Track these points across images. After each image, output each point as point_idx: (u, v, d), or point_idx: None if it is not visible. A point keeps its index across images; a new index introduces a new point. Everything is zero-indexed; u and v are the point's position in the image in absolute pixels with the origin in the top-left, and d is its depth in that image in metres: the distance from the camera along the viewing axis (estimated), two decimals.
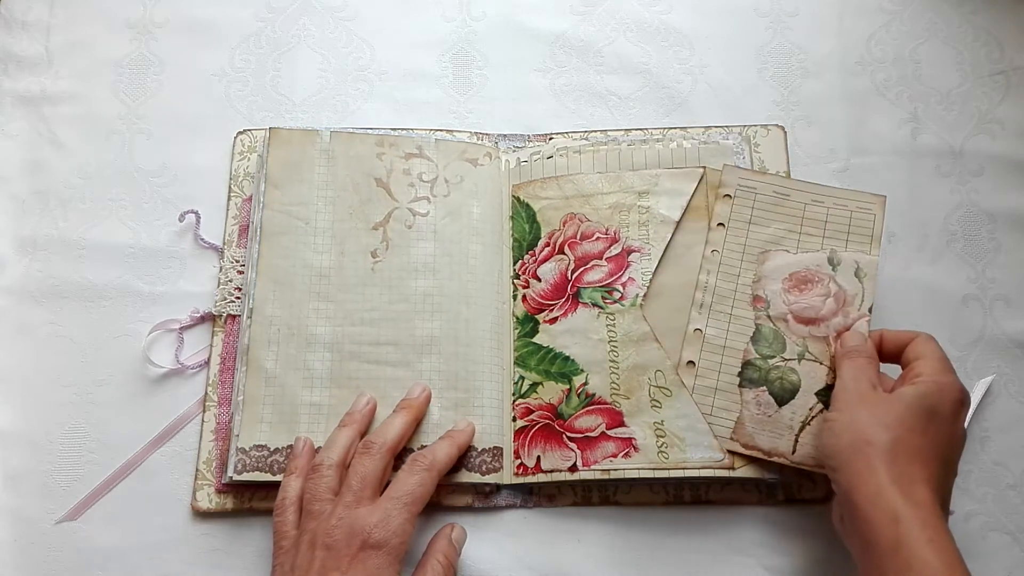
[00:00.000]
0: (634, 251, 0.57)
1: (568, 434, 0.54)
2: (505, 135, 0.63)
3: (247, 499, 0.53)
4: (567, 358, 0.55)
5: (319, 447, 0.52)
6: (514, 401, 0.55)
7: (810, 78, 0.64)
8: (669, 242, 0.57)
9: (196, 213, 0.60)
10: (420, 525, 0.51)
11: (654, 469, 0.52)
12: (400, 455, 0.52)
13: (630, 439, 0.53)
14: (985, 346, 0.57)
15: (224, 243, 0.59)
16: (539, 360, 0.56)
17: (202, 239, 0.60)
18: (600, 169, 0.59)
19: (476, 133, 0.63)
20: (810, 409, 0.52)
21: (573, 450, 0.53)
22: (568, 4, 0.67)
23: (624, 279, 0.56)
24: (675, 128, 0.62)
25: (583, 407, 0.54)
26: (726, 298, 0.55)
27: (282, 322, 0.55)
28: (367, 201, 0.58)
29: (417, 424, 0.53)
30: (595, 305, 0.56)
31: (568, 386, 0.55)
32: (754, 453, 0.51)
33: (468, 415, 0.54)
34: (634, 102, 0.64)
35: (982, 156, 0.62)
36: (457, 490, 0.54)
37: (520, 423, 0.55)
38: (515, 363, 0.56)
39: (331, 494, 0.48)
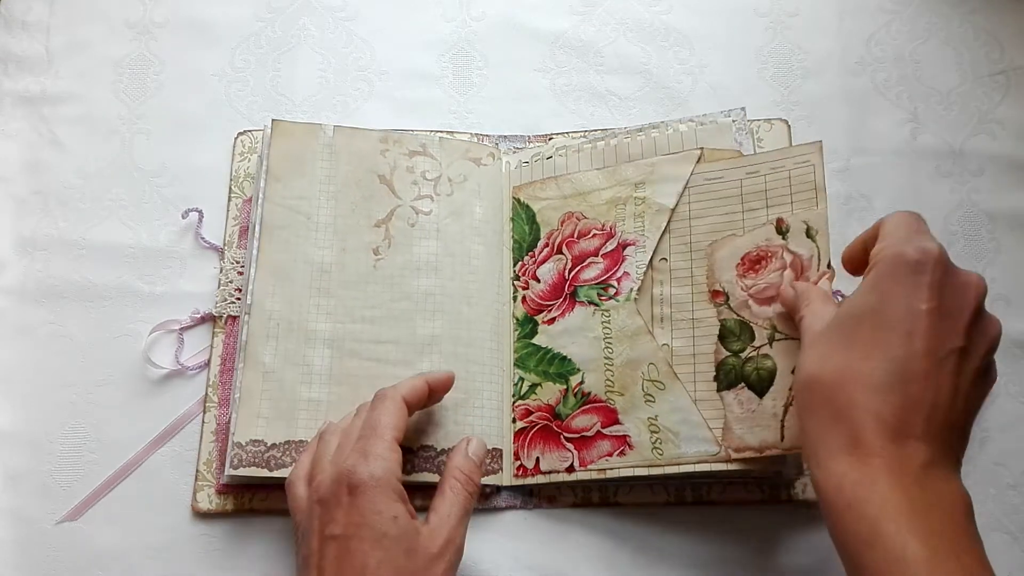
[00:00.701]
0: (629, 244, 0.56)
1: (565, 435, 0.54)
2: (505, 136, 0.62)
3: (247, 500, 0.53)
4: (564, 358, 0.55)
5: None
6: (514, 403, 0.55)
7: (810, 78, 0.64)
8: (663, 231, 0.55)
9: (199, 211, 0.60)
10: None
11: (649, 467, 0.51)
12: (405, 456, 0.50)
13: (624, 436, 0.52)
14: None
15: (224, 244, 0.59)
16: (538, 361, 0.56)
17: (203, 238, 0.60)
18: (598, 165, 0.59)
19: (476, 135, 0.63)
20: (789, 390, 0.49)
21: (570, 451, 0.53)
22: (568, 4, 0.67)
23: (619, 274, 0.55)
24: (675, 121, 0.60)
25: (579, 407, 0.54)
26: (684, 304, 0.53)
27: (281, 317, 0.55)
28: (370, 197, 0.58)
29: (433, 401, 0.51)
30: (591, 303, 0.55)
31: (565, 386, 0.55)
32: (747, 454, 0.49)
33: (468, 416, 0.54)
34: (634, 102, 0.64)
35: (982, 156, 0.62)
36: None
37: (520, 424, 0.55)
38: (515, 364, 0.56)
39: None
